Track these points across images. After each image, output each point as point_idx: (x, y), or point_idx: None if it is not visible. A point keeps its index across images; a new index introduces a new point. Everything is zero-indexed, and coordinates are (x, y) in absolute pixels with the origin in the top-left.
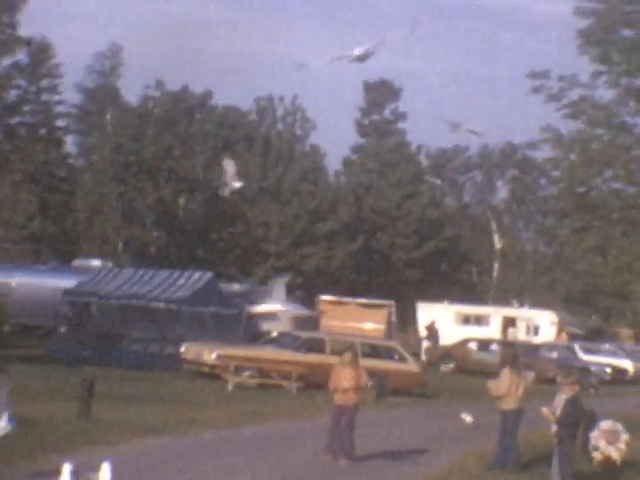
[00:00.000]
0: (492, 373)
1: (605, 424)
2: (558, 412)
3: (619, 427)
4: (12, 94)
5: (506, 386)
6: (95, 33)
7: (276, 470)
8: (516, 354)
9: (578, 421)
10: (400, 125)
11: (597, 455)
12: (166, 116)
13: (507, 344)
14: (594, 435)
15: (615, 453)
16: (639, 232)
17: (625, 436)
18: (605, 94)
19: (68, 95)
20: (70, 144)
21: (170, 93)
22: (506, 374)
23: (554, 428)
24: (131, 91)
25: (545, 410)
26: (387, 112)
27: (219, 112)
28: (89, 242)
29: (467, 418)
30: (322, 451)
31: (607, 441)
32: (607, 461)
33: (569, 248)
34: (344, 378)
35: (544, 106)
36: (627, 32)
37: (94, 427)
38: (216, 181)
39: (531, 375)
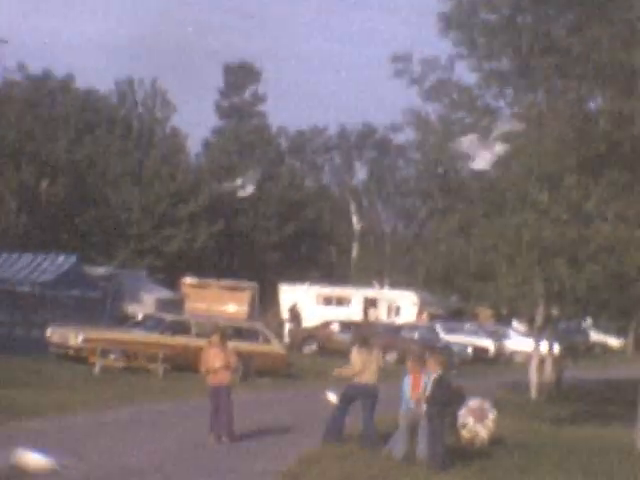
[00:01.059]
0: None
1: (473, 402)
2: (427, 391)
3: (487, 405)
4: None
5: (358, 363)
6: None
7: (155, 452)
8: (366, 334)
9: (447, 399)
10: (260, 107)
11: (465, 433)
12: (28, 99)
13: (359, 325)
14: (462, 413)
15: (483, 431)
16: (499, 213)
17: (493, 413)
18: (467, 77)
19: None
20: None
21: (32, 76)
22: (355, 353)
23: (423, 407)
24: None
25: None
26: (247, 94)
27: (81, 95)
28: None
29: (332, 397)
30: (207, 431)
31: (475, 419)
32: (475, 439)
33: (429, 229)
34: (214, 359)
35: (405, 89)
36: (489, 15)
37: None
38: (78, 164)
39: (393, 355)
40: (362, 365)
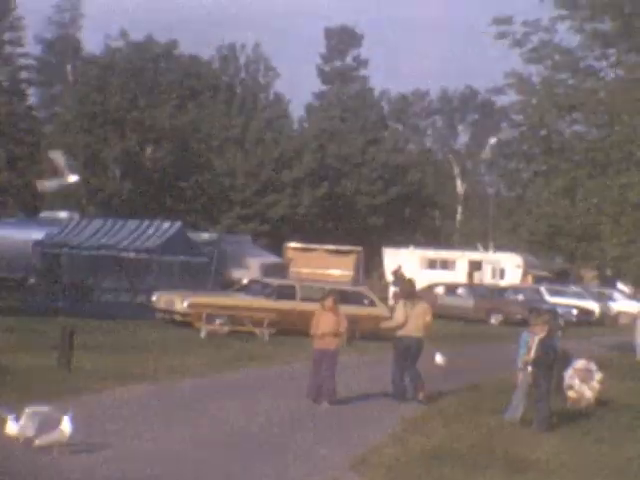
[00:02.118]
0: (460, 317)
1: (579, 363)
2: (532, 353)
3: (593, 366)
4: None
5: (401, 316)
6: None
7: (260, 414)
8: (412, 289)
9: (553, 361)
10: (362, 72)
11: (571, 394)
12: (131, 66)
13: (404, 279)
14: (568, 374)
15: (589, 392)
16: (604, 174)
17: (599, 375)
18: (569, 39)
19: (29, 47)
20: (34, 96)
21: (134, 43)
22: (400, 306)
23: (529, 369)
24: (93, 42)
25: (525, 358)
26: (349, 59)
27: (184, 61)
28: (54, 194)
29: (439, 359)
30: (305, 395)
31: (581, 380)
32: (581, 400)
33: (532, 191)
34: (324, 323)
35: (507, 51)
36: None
37: (76, 376)
38: (182, 131)
39: (497, 317)
40: (405, 318)
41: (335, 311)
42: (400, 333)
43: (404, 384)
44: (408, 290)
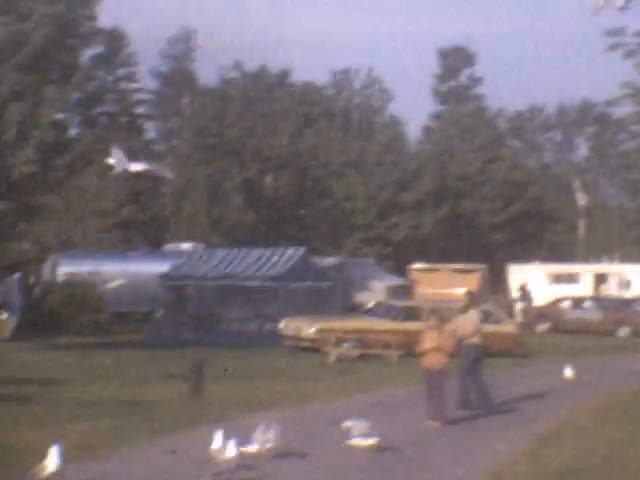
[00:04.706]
0: (587, 330)
1: None
2: None
3: None
4: (92, 85)
5: (472, 325)
6: (167, 18)
7: (390, 435)
8: (475, 299)
9: None
10: (477, 90)
11: None
12: (246, 96)
13: (470, 292)
14: None
15: None
16: None
17: None
18: None
19: (145, 82)
20: (150, 130)
21: (248, 73)
22: (474, 315)
23: None
24: (208, 74)
25: None
26: (463, 77)
27: (298, 89)
28: (178, 226)
29: (568, 373)
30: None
31: None
32: None
33: None
34: (428, 341)
35: (621, 63)
36: None
37: (207, 405)
38: (300, 157)
39: (625, 330)
40: (475, 327)
41: (438, 329)
42: (473, 341)
43: (468, 391)
44: (474, 300)
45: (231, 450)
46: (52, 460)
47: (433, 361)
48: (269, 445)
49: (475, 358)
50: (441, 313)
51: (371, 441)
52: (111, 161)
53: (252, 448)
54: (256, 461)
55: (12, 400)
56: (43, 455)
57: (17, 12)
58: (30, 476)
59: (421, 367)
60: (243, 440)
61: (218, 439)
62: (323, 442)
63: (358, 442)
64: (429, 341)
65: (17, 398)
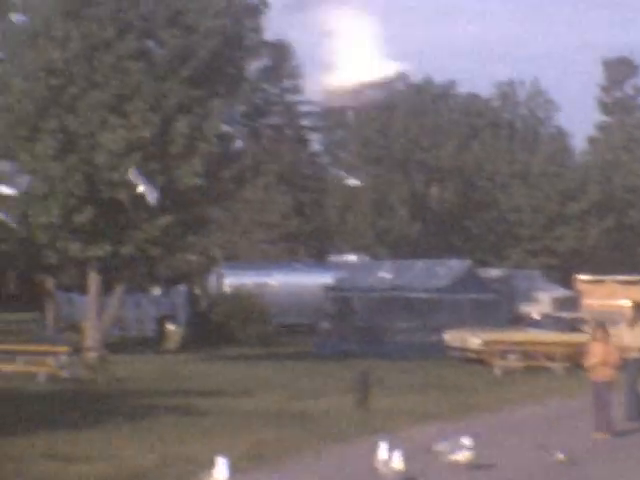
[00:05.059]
0: None
1: None
2: None
3: None
4: (258, 97)
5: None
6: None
7: (561, 446)
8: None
9: None
10: None
11: None
12: (412, 108)
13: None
14: None
15: None
16: None
17: None
18: None
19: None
20: (315, 142)
21: (414, 85)
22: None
23: None
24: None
25: None
26: (628, 88)
27: (463, 100)
28: (342, 238)
29: None
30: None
31: None
32: None
33: None
34: (594, 354)
35: None
36: None
37: (374, 417)
38: (466, 169)
39: None
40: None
41: (605, 342)
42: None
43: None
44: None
45: (398, 462)
46: (220, 471)
47: (600, 374)
48: (467, 454)
49: (636, 370)
50: (607, 326)
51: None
52: None
53: (456, 456)
54: (424, 472)
55: (179, 411)
56: (208, 465)
57: (184, 26)
58: None
59: (588, 379)
60: (413, 450)
61: (384, 450)
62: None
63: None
64: (596, 354)
65: (184, 409)
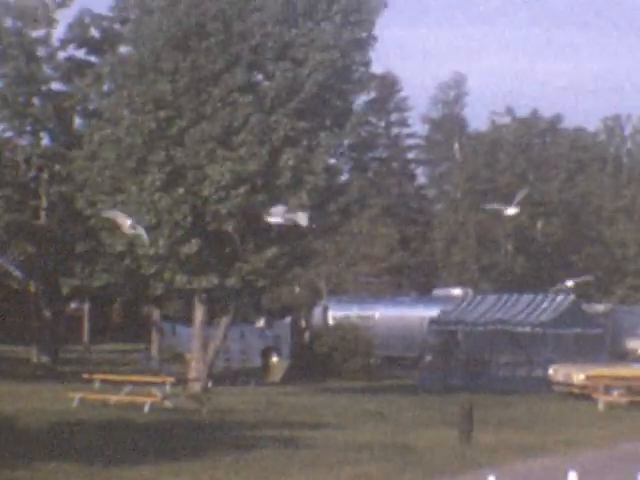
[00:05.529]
0: None
1: None
2: None
3: None
4: (364, 130)
5: None
6: (438, 64)
7: None
8: None
9: None
10: None
11: None
12: (518, 142)
13: None
14: None
15: None
16: None
17: None
18: None
19: (415, 127)
20: (421, 175)
21: (520, 118)
22: None
23: None
24: (479, 119)
25: None
26: None
27: (569, 134)
28: (447, 271)
29: None
30: None
31: None
32: None
33: None
34: None
35: None
36: None
37: (477, 451)
38: (572, 203)
39: None
40: None
41: None
42: None
43: None
44: None
45: None
46: None
47: None
48: None
49: None
50: None
51: None
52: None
53: None
54: None
55: (282, 443)
56: None
57: (292, 58)
58: None
59: None
60: None
61: None
62: None
63: None
64: None
65: (287, 441)
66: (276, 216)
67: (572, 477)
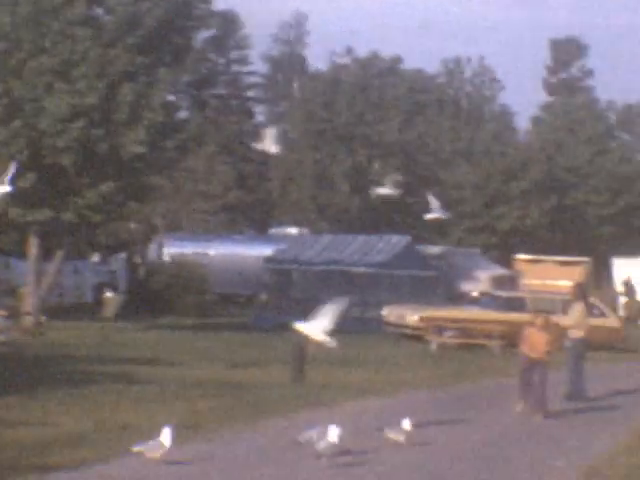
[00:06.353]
0: None
1: None
2: None
3: None
4: (203, 67)
5: (575, 317)
6: (280, 2)
7: (486, 426)
8: (584, 291)
9: None
10: (588, 82)
11: None
12: (357, 82)
13: (579, 284)
14: None
15: None
16: None
17: None
18: None
19: (256, 65)
20: (260, 114)
21: (359, 59)
22: (576, 307)
23: None
24: (319, 59)
25: None
26: (574, 69)
27: (409, 76)
28: (283, 211)
29: None
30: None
31: None
32: None
33: None
34: (534, 342)
35: None
36: None
37: (310, 390)
38: (409, 145)
39: None
40: (575, 319)
41: (546, 330)
42: (580, 334)
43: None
44: (583, 292)
45: (333, 435)
46: (164, 440)
47: (536, 354)
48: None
49: (581, 350)
50: (546, 310)
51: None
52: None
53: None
54: (358, 446)
55: (115, 378)
56: (144, 433)
57: None
58: (138, 454)
59: (523, 359)
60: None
61: (318, 426)
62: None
63: None
64: (535, 344)
65: (120, 376)
66: None
67: (406, 424)
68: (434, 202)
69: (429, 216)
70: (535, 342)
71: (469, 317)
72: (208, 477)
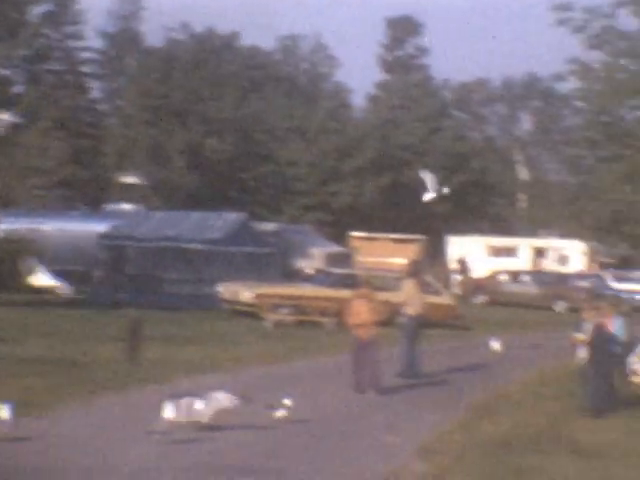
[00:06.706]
0: (524, 304)
1: None
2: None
3: None
4: (38, 42)
5: (409, 294)
6: None
7: (322, 402)
8: (418, 268)
9: (606, 343)
10: (423, 60)
11: (635, 379)
12: (192, 58)
13: (415, 261)
14: (632, 359)
15: None
16: None
17: None
18: (630, 24)
19: (91, 41)
20: (95, 89)
21: (195, 35)
22: (409, 284)
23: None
24: (154, 35)
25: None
26: (410, 47)
27: (245, 53)
28: (119, 186)
29: (495, 346)
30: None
31: None
32: None
33: (596, 177)
34: (358, 312)
35: (567, 38)
36: None
37: (143, 367)
38: (245, 122)
39: (562, 304)
40: (411, 297)
41: (369, 299)
42: (408, 311)
43: (412, 360)
44: (414, 268)
45: (168, 412)
46: (3, 415)
47: (365, 332)
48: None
49: (415, 327)
50: (373, 282)
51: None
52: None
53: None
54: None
55: None
56: None
57: None
58: None
59: (353, 336)
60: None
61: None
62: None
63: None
64: (359, 313)
65: None
66: None
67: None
68: (429, 179)
69: (427, 197)
70: (359, 311)
71: (303, 294)
72: (44, 454)
